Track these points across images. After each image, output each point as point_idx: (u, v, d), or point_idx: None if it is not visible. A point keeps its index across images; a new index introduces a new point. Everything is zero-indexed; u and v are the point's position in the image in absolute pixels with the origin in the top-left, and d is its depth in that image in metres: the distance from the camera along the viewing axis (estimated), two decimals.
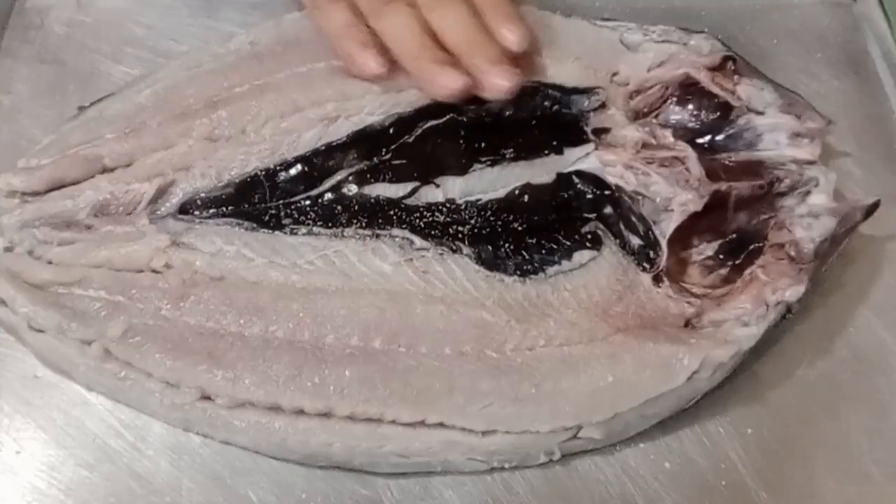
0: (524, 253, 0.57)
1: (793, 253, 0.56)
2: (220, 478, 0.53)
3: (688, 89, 0.64)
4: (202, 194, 0.59)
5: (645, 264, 0.58)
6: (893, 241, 0.61)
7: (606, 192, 0.59)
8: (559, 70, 0.63)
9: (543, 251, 0.57)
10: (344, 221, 0.58)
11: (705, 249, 0.60)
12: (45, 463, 0.53)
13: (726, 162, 0.62)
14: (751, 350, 0.54)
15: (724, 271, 0.59)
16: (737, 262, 0.58)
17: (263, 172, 0.59)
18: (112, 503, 0.52)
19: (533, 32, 0.60)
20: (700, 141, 0.63)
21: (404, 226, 0.57)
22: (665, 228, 0.57)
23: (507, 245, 0.57)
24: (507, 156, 0.60)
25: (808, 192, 0.59)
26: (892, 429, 0.55)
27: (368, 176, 0.59)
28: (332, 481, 0.53)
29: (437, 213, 0.58)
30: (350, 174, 0.59)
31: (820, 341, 0.57)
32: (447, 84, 0.57)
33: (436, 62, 0.58)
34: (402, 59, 0.59)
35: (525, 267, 0.57)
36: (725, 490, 0.53)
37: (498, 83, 0.57)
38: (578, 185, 0.60)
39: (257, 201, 0.58)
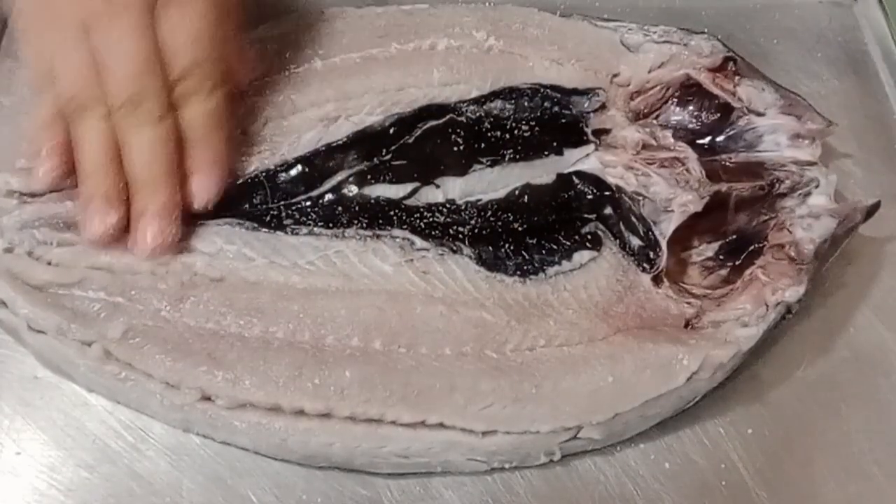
0: (524, 253, 0.57)
1: (793, 253, 0.56)
2: (220, 478, 0.52)
3: (688, 90, 0.64)
4: None
5: (645, 265, 0.58)
6: (893, 241, 0.61)
7: (606, 193, 0.59)
8: (559, 71, 0.63)
9: (543, 251, 0.57)
10: (344, 222, 0.58)
11: (705, 250, 0.60)
12: (45, 464, 0.53)
13: (726, 163, 0.62)
14: (751, 350, 0.54)
15: (724, 272, 0.59)
16: (737, 262, 0.58)
17: (264, 173, 0.59)
18: None
19: (218, 180, 0.56)
20: (700, 142, 0.63)
21: (405, 226, 0.57)
22: (665, 229, 0.57)
23: (507, 245, 0.57)
24: (508, 156, 0.60)
25: (808, 194, 0.59)
26: (893, 429, 0.55)
27: (369, 176, 0.59)
28: (331, 482, 0.52)
29: (437, 214, 0.58)
30: (350, 175, 0.59)
31: (820, 341, 0.57)
32: (93, 227, 0.54)
33: (101, 193, 0.54)
34: (78, 175, 0.55)
35: (525, 267, 0.57)
36: (725, 490, 0.53)
37: (138, 241, 0.54)
38: (578, 186, 0.60)
39: (258, 202, 0.58)
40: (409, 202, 0.58)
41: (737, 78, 0.63)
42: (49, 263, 0.56)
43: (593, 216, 0.59)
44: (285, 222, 0.58)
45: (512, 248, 0.57)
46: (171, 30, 0.53)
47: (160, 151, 0.54)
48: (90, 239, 0.54)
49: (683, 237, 0.59)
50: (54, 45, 0.54)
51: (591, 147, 0.61)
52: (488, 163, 0.59)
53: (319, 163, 0.59)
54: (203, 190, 0.56)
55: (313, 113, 0.60)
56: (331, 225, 0.58)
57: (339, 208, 0.58)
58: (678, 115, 0.64)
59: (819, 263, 0.56)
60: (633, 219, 0.58)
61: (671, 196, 0.58)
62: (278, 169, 0.59)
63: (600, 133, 0.62)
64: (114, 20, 0.53)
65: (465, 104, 0.61)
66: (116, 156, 0.54)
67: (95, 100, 0.53)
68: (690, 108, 0.64)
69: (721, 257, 0.59)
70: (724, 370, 0.54)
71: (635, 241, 0.58)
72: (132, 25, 0.53)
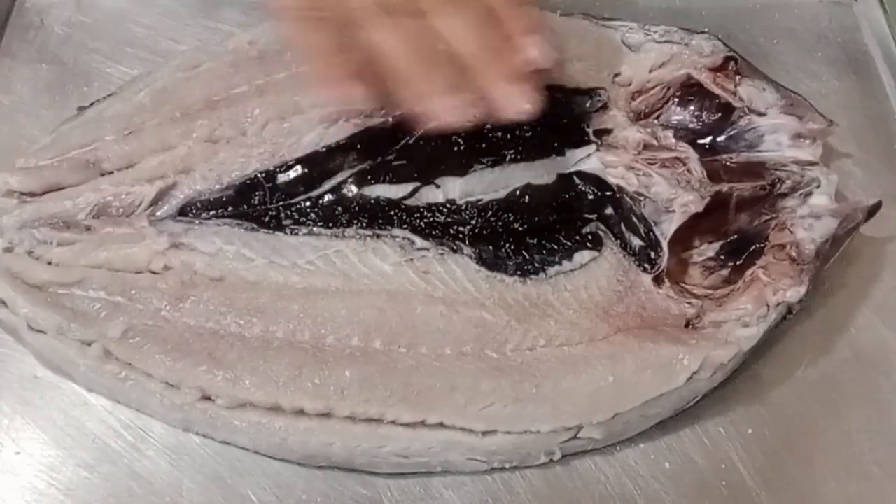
0: (525, 253, 0.57)
1: (794, 254, 0.56)
2: (220, 478, 0.52)
3: (689, 90, 0.64)
4: (202, 196, 0.58)
5: (646, 265, 0.58)
6: (894, 241, 0.61)
7: (608, 193, 0.59)
8: (561, 71, 0.63)
9: (544, 251, 0.57)
10: (344, 221, 0.58)
11: (706, 250, 0.60)
12: (44, 463, 0.53)
13: (727, 163, 0.62)
14: (751, 350, 0.54)
15: (725, 272, 0.59)
16: (738, 262, 0.58)
17: (264, 174, 0.59)
18: None
19: (556, 41, 0.54)
20: (701, 142, 0.63)
21: (405, 226, 0.57)
22: (666, 229, 0.57)
23: (507, 245, 0.57)
24: (508, 156, 0.59)
25: (809, 194, 0.59)
26: (894, 429, 0.55)
27: (369, 177, 0.59)
28: (331, 482, 0.52)
29: (437, 214, 0.58)
30: (351, 175, 0.59)
31: (821, 341, 0.57)
32: (446, 116, 0.51)
33: (433, 87, 0.50)
34: (394, 82, 0.51)
35: (525, 267, 0.57)
36: (726, 490, 0.53)
37: (516, 105, 0.51)
38: (579, 186, 0.60)
39: (258, 202, 0.58)
40: (409, 202, 0.58)
41: (738, 78, 0.63)
42: (49, 263, 0.56)
43: (594, 216, 0.59)
44: (285, 222, 0.58)
45: (512, 248, 0.57)
46: None
47: (487, 29, 0.51)
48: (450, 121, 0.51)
49: (684, 237, 0.59)
50: None
51: (593, 147, 0.61)
52: (489, 163, 0.59)
53: (320, 163, 0.59)
54: (538, 49, 0.51)
55: (315, 114, 0.60)
56: (331, 225, 0.58)
57: (339, 208, 0.58)
58: (679, 114, 0.64)
59: (820, 263, 0.56)
60: (634, 219, 0.58)
61: (672, 196, 0.58)
62: (278, 170, 0.59)
63: (601, 133, 0.61)
64: None
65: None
66: (436, 52, 0.51)
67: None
68: (691, 107, 0.64)
69: (722, 257, 0.59)
70: (724, 370, 0.54)
71: (636, 242, 0.58)
72: None
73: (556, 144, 0.61)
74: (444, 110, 0.51)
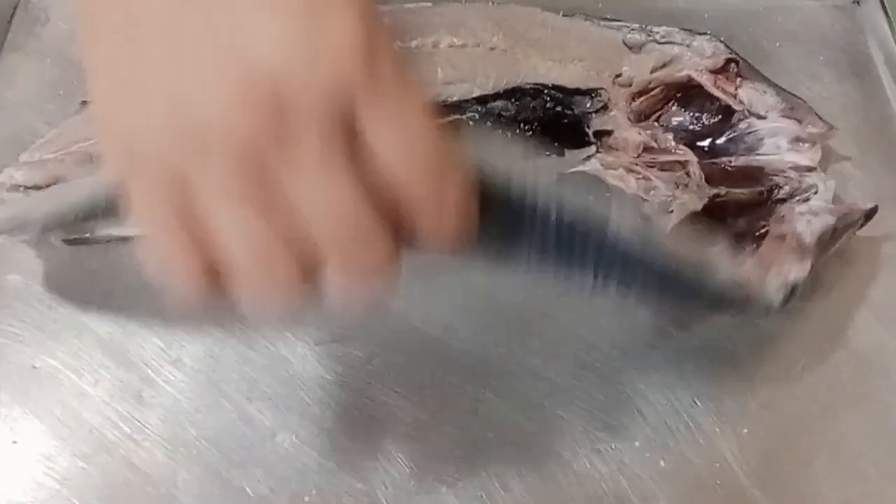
0: None
1: (794, 244, 0.56)
2: (216, 470, 0.52)
3: (689, 91, 0.64)
4: None
5: None
6: (892, 242, 0.60)
7: (606, 195, 0.59)
8: (561, 71, 0.63)
9: None
10: None
11: None
12: (41, 453, 0.53)
13: (726, 167, 0.62)
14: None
15: None
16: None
17: None
18: (108, 494, 0.52)
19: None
20: (701, 144, 0.63)
21: None
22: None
23: None
24: None
25: (807, 199, 0.59)
26: (892, 430, 0.54)
27: None
28: (326, 475, 0.52)
29: None
30: None
31: (818, 342, 0.57)
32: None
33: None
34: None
35: None
36: (721, 490, 0.53)
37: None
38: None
39: None
40: None
41: (738, 80, 0.63)
42: None
43: None
44: None
45: None
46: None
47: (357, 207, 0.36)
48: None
49: None
50: None
51: (593, 149, 0.61)
52: None
53: None
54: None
55: None
56: None
57: None
58: (679, 116, 0.64)
59: (820, 252, 0.56)
60: None
61: (670, 199, 0.58)
62: None
63: (601, 134, 0.61)
64: None
65: (469, 103, 0.61)
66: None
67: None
68: (692, 109, 0.64)
69: None
70: None
71: None
72: None
73: (556, 145, 0.61)
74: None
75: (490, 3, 0.67)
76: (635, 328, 0.57)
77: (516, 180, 0.39)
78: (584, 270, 0.44)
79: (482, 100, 0.61)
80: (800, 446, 0.54)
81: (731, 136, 0.63)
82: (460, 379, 0.56)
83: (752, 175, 0.61)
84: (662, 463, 0.53)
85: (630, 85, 0.64)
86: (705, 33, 0.64)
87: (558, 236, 0.41)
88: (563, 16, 0.65)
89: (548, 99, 0.62)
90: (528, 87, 0.62)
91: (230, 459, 0.53)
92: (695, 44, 0.63)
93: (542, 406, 0.55)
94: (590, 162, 0.60)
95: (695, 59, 0.63)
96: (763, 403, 0.55)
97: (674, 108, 0.64)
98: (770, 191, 0.59)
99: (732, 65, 0.63)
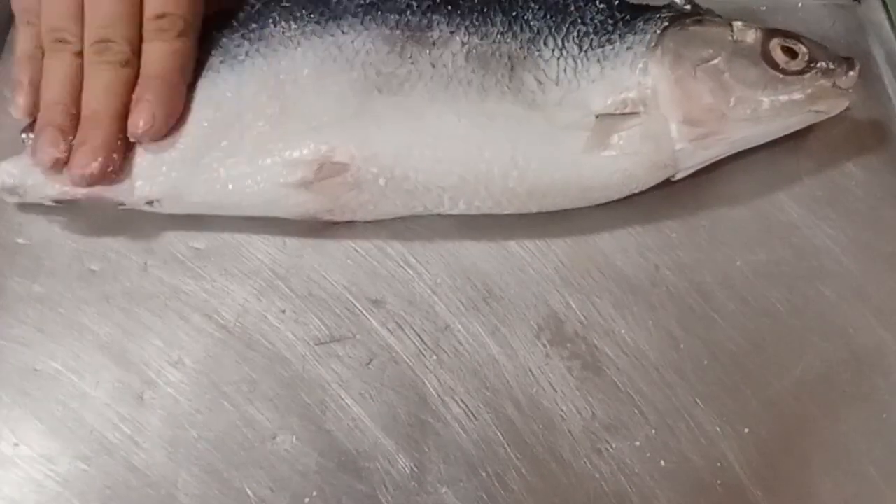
0: None
1: None
2: (216, 471, 0.53)
3: None
4: None
5: None
6: (892, 242, 0.60)
7: None
8: None
9: None
10: None
11: None
12: (42, 455, 0.53)
13: None
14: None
15: None
16: None
17: None
18: (108, 495, 0.52)
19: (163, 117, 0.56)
20: None
21: None
22: None
23: None
24: None
25: None
26: (891, 429, 0.54)
27: None
28: (327, 476, 0.53)
29: None
30: None
31: (818, 341, 0.57)
32: (42, 155, 0.55)
33: (56, 124, 0.55)
34: (40, 104, 0.57)
35: None
36: (721, 489, 0.53)
37: (73, 169, 0.55)
38: None
39: None
40: None
41: None
42: None
43: None
44: None
45: None
46: None
47: (116, 93, 0.56)
48: (38, 165, 0.56)
49: None
50: None
51: None
52: None
53: None
54: (144, 119, 0.55)
55: None
56: None
57: None
58: None
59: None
60: None
61: None
62: None
63: None
64: None
65: None
66: (77, 91, 0.56)
67: (72, 35, 0.56)
68: None
69: None
70: None
71: None
72: None
73: None
74: (38, 152, 0.56)
75: None
76: (635, 327, 0.57)
77: None
78: None
79: None
80: (800, 446, 0.54)
81: None
82: (460, 378, 0.56)
83: None
84: (663, 463, 0.53)
85: None
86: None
87: None
88: None
89: None
90: None
91: (230, 460, 0.53)
92: None
93: (543, 406, 0.55)
94: None
95: None
96: (764, 403, 0.55)
97: None
98: None
99: None
